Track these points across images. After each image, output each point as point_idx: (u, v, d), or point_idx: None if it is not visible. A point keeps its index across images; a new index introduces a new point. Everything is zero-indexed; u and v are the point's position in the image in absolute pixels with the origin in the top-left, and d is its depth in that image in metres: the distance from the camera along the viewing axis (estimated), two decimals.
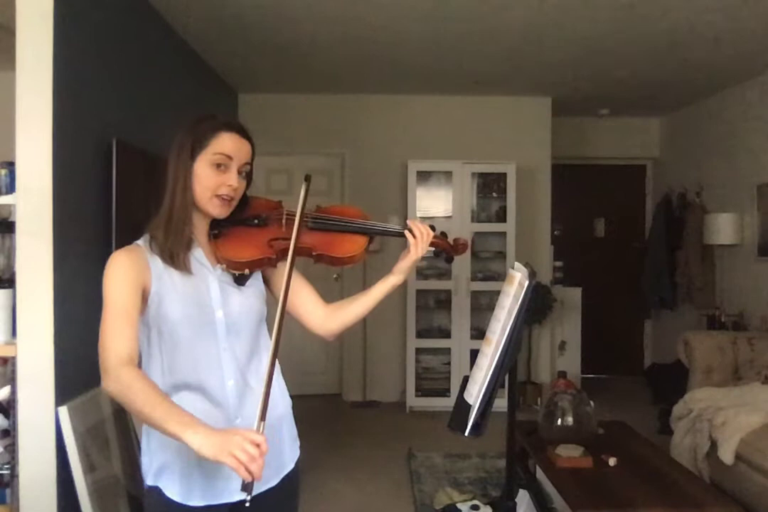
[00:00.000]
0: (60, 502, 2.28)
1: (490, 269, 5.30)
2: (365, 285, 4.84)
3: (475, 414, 1.57)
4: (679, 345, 4.11)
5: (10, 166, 2.36)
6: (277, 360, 1.29)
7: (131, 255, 1.34)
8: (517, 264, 1.67)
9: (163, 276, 1.35)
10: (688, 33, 3.74)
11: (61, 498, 2.29)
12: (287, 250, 1.38)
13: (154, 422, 1.18)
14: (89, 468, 2.32)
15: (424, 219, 4.81)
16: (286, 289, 1.33)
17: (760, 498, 2.92)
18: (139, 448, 1.47)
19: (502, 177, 5.15)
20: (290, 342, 4.30)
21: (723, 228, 4.81)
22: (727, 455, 3.10)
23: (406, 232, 1.50)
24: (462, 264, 5.05)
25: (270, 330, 1.43)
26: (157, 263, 1.35)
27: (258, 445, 1.12)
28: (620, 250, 6.38)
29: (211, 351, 1.38)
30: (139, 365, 1.30)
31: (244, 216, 1.46)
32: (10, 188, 2.37)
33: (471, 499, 3.11)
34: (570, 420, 2.78)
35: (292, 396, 1.55)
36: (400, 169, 5.31)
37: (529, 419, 3.23)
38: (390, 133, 5.42)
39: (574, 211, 6.23)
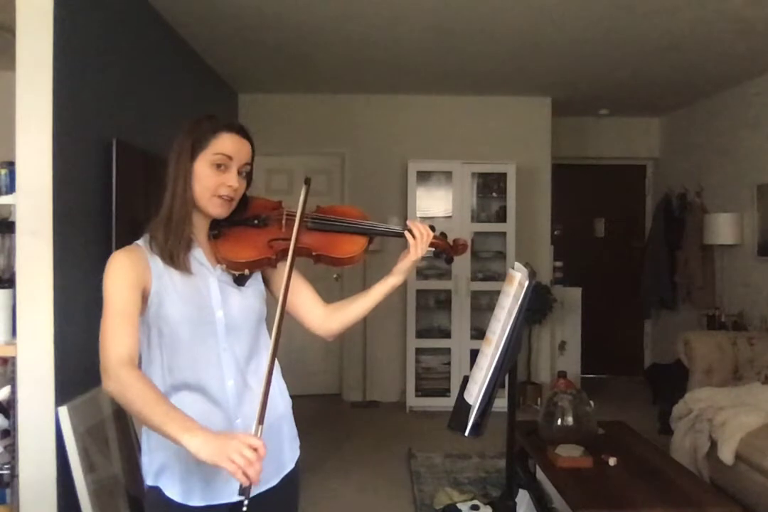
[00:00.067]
0: (60, 502, 2.28)
1: (490, 269, 5.30)
2: (365, 285, 4.83)
3: (475, 414, 1.58)
4: (679, 345, 4.11)
5: (10, 166, 2.37)
6: (276, 360, 1.29)
7: (131, 255, 1.34)
8: (517, 265, 1.67)
9: (163, 276, 1.35)
10: (688, 33, 3.74)
11: (61, 498, 2.29)
12: (287, 250, 1.38)
13: (153, 424, 1.18)
14: (89, 468, 2.32)
15: (424, 219, 4.81)
16: (285, 289, 1.34)
17: (760, 498, 2.92)
18: (139, 448, 1.47)
19: (502, 177, 5.15)
20: (290, 342, 4.33)
21: (723, 228, 4.82)
22: (727, 455, 3.10)
23: (406, 233, 1.50)
24: (462, 264, 5.05)
25: (270, 331, 1.43)
26: (157, 263, 1.35)
27: (256, 449, 1.12)
28: (620, 250, 6.38)
29: (210, 351, 1.38)
30: (139, 365, 1.30)
31: (244, 216, 1.46)
32: (10, 188, 2.37)
33: (471, 499, 3.12)
34: (570, 420, 2.78)
35: (292, 396, 1.55)
36: (400, 169, 5.31)
37: (529, 419, 3.24)
38: (390, 133, 5.42)
39: (574, 211, 6.23)
